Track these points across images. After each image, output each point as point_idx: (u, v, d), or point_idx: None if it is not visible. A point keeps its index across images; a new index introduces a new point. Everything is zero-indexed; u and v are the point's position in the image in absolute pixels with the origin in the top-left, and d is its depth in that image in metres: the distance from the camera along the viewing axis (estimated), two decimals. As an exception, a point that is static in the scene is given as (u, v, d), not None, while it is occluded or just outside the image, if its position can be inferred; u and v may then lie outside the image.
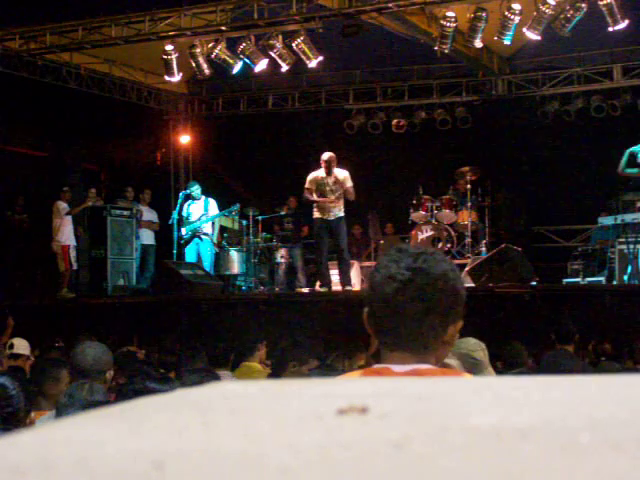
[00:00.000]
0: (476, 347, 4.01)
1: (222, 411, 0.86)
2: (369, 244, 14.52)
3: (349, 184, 11.15)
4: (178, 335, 9.05)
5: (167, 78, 13.48)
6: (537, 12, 11.37)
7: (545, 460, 0.67)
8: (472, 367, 3.77)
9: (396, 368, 1.95)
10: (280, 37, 12.43)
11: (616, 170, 11.29)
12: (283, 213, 14.13)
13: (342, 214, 11.23)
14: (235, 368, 6.81)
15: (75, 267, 13.68)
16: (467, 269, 11.43)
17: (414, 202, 13.63)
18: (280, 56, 12.57)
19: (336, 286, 11.74)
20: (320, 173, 11.19)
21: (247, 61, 12.79)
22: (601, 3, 11.03)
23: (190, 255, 12.97)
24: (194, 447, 0.72)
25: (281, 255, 13.69)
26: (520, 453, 0.69)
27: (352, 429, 0.76)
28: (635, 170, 11.24)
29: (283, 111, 16.53)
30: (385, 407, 0.83)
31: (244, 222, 13.62)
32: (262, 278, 13.77)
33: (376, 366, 2.08)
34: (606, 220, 11.42)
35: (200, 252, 12.98)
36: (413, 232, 13.59)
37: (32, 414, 3.65)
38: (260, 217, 13.69)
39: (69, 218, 13.55)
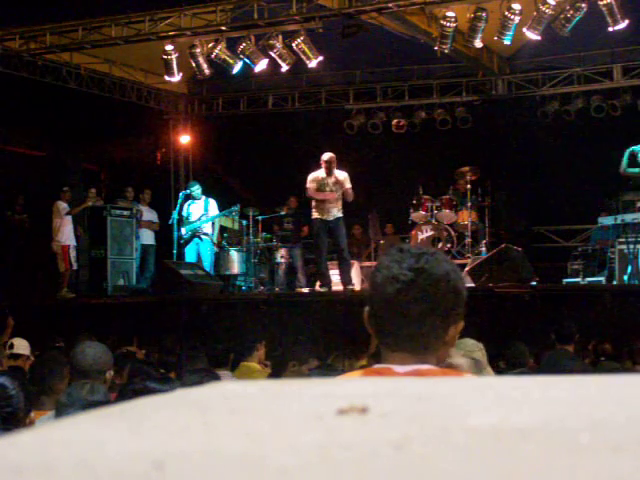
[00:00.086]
0: (474, 348, 4.02)
1: (222, 411, 0.86)
2: (369, 244, 14.52)
3: (348, 185, 11.16)
4: (178, 335, 9.04)
5: (167, 78, 13.48)
6: (537, 12, 11.37)
7: (545, 460, 0.67)
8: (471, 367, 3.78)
9: (397, 368, 1.94)
10: (280, 37, 12.43)
11: (618, 170, 11.29)
12: (283, 213, 14.12)
13: (341, 214, 11.24)
14: (235, 368, 6.81)
15: (75, 267, 13.68)
16: (467, 269, 11.43)
17: (414, 202, 13.63)
18: (280, 56, 12.57)
19: (336, 286, 11.74)
20: (320, 173, 11.19)
21: (247, 61, 12.78)
22: (601, 3, 11.02)
23: (190, 255, 12.97)
24: (194, 447, 0.72)
25: (281, 255, 13.69)
26: (520, 453, 0.69)
27: (352, 429, 0.76)
28: (636, 170, 11.24)
29: (283, 111, 16.53)
30: (385, 407, 0.83)
31: (244, 222, 13.62)
32: (262, 278, 13.77)
33: (377, 366, 2.08)
34: (606, 220, 11.42)
35: (200, 252, 12.98)
36: (413, 232, 13.59)
37: (32, 414, 3.65)
38: (260, 217, 13.69)
39: (69, 218, 13.55)
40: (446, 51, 12.31)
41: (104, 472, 0.67)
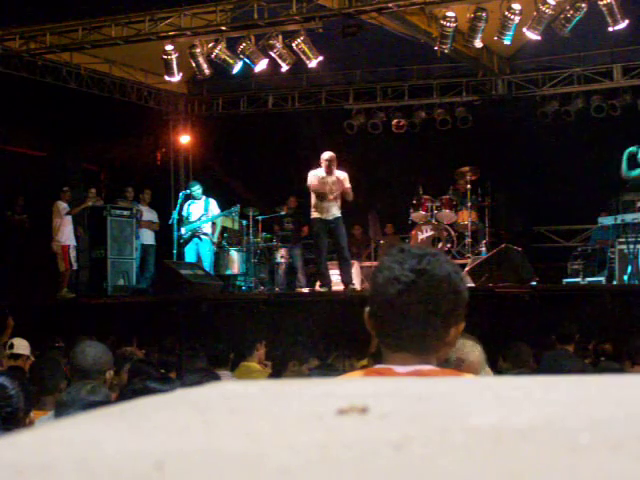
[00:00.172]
0: (472, 348, 4.02)
1: (222, 411, 0.86)
2: (369, 244, 14.52)
3: (348, 185, 11.14)
4: (178, 335, 9.05)
5: (167, 78, 13.48)
6: (537, 12, 11.36)
7: (545, 460, 0.67)
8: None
9: (398, 369, 1.94)
10: (280, 37, 12.43)
11: (619, 174, 11.29)
12: (283, 213, 14.13)
13: (340, 214, 11.20)
14: (235, 368, 6.81)
15: (75, 267, 13.68)
16: (467, 269, 11.43)
17: (414, 202, 13.63)
18: (280, 56, 12.57)
19: (337, 286, 11.73)
20: (320, 172, 11.15)
21: (247, 61, 12.78)
22: (601, 3, 11.02)
23: (190, 255, 12.97)
24: (194, 447, 0.72)
25: (281, 255, 13.69)
26: (520, 453, 0.69)
27: (352, 429, 0.76)
28: (637, 172, 11.23)
29: (283, 111, 16.53)
30: (385, 407, 0.83)
31: (244, 222, 13.62)
32: (262, 278, 13.77)
33: (378, 366, 2.08)
34: (606, 220, 11.42)
35: (200, 252, 12.98)
36: (413, 232, 13.59)
37: (31, 414, 3.65)
38: (260, 217, 13.69)
39: (69, 218, 13.55)
40: (446, 51, 12.31)
41: (104, 472, 0.67)
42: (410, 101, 15.87)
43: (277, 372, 6.50)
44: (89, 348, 4.54)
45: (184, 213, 13.10)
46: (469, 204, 13.47)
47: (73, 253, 13.56)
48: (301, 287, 13.31)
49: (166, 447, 0.72)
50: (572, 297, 10.42)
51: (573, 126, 14.72)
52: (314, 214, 11.21)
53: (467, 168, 13.68)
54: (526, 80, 15.28)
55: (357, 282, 12.36)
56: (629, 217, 10.82)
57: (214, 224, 13.20)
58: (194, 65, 13.00)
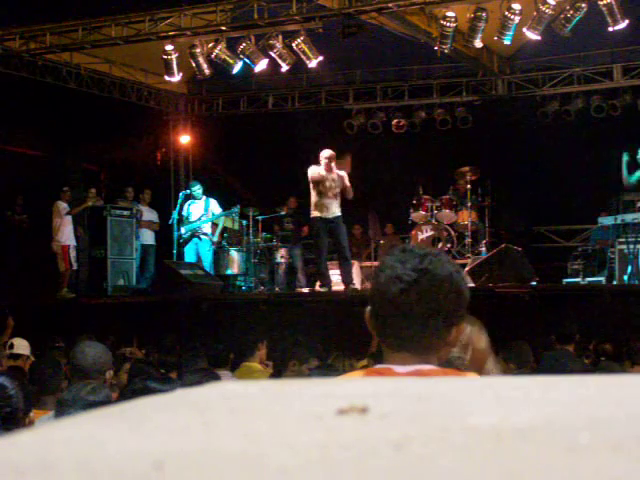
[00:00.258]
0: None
1: (222, 411, 0.86)
2: (369, 244, 14.51)
3: (348, 182, 11.10)
4: (178, 335, 9.05)
5: (167, 78, 13.48)
6: (537, 12, 11.36)
7: (545, 460, 0.67)
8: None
9: (398, 369, 1.94)
10: (280, 37, 12.43)
11: (621, 180, 11.28)
12: (283, 213, 14.13)
13: (340, 213, 11.17)
14: (235, 368, 6.81)
15: (75, 267, 13.68)
16: (467, 269, 11.43)
17: (414, 202, 13.63)
18: (280, 56, 12.57)
19: (337, 286, 11.72)
20: (320, 170, 11.08)
21: (247, 61, 12.78)
22: (601, 3, 11.02)
23: (189, 255, 12.97)
24: (194, 447, 0.72)
25: (281, 255, 13.69)
26: (520, 453, 0.69)
27: (352, 429, 0.76)
28: (638, 175, 11.22)
29: (283, 111, 16.53)
30: (385, 407, 0.83)
31: (244, 222, 13.62)
32: (262, 278, 13.77)
33: (378, 366, 2.08)
34: (606, 220, 11.42)
35: (199, 252, 12.98)
36: (413, 232, 13.59)
37: (31, 414, 3.65)
38: (260, 217, 13.69)
39: (69, 218, 13.55)
40: (446, 51, 12.31)
41: (104, 472, 0.67)
42: (410, 101, 15.87)
43: (277, 372, 6.50)
44: (89, 348, 4.54)
45: (184, 213, 13.10)
46: (469, 204, 13.47)
47: (73, 253, 13.56)
48: (301, 287, 13.31)
49: (166, 447, 0.72)
50: (572, 297, 10.42)
51: (573, 126, 14.72)
52: (314, 213, 11.14)
53: (467, 168, 13.68)
54: (526, 80, 15.28)
55: (357, 282, 12.36)
56: (629, 217, 10.82)
57: (215, 224, 13.20)
58: (194, 65, 13.00)
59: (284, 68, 12.84)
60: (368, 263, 13.47)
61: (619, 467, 0.66)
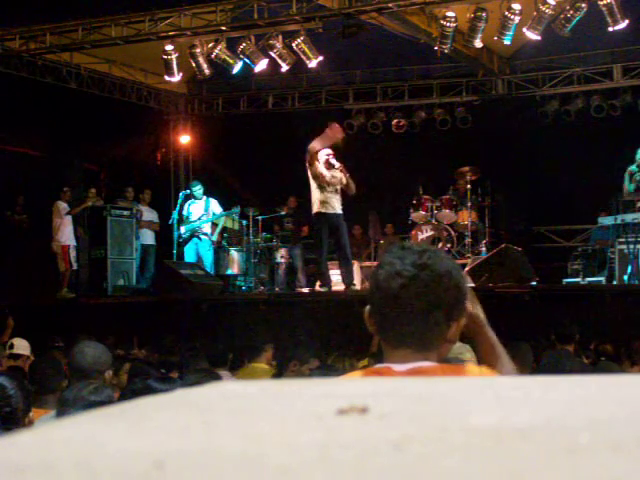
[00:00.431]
0: (462, 349, 4.04)
1: (222, 411, 0.86)
2: (369, 244, 14.51)
3: (345, 180, 11.02)
4: (178, 335, 9.05)
5: (167, 78, 13.48)
6: (537, 12, 11.36)
7: (545, 460, 0.67)
8: None
9: (397, 367, 1.95)
10: (280, 37, 12.43)
11: (622, 194, 11.28)
12: (283, 213, 14.13)
13: (341, 211, 11.13)
14: (234, 368, 6.81)
15: (75, 267, 13.67)
16: (467, 269, 11.42)
17: (414, 202, 13.63)
18: (280, 56, 12.57)
19: (337, 286, 11.71)
20: (322, 169, 11.02)
21: (247, 61, 12.78)
22: (601, 3, 11.02)
23: (189, 255, 12.97)
24: (194, 447, 0.72)
25: (281, 255, 13.69)
26: (520, 453, 0.69)
27: (352, 429, 0.76)
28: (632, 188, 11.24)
29: (283, 111, 16.52)
30: (385, 407, 0.83)
31: (244, 222, 13.62)
32: (262, 278, 13.76)
33: (377, 366, 2.09)
34: (606, 220, 11.42)
35: (199, 252, 12.98)
36: (413, 232, 13.58)
37: (31, 414, 3.65)
38: (260, 217, 13.69)
39: (69, 218, 13.55)
40: (446, 51, 12.30)
41: (104, 471, 0.67)
42: (410, 101, 15.87)
43: (278, 372, 6.50)
44: (88, 348, 4.53)
45: (184, 213, 13.10)
46: (469, 204, 13.46)
47: (73, 253, 13.56)
48: (301, 287, 13.30)
49: (166, 447, 0.72)
50: (572, 297, 10.42)
51: (573, 126, 14.71)
52: (316, 208, 11.02)
53: (467, 168, 13.68)
54: (526, 80, 15.27)
55: (357, 282, 12.35)
56: (629, 217, 10.81)
57: (214, 224, 13.20)
58: (194, 65, 13.00)
59: (284, 68, 12.84)
60: (368, 263, 13.46)
61: (619, 467, 0.66)
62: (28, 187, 14.99)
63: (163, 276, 12.34)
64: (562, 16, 11.30)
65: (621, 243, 10.75)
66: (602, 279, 11.25)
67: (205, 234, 13.01)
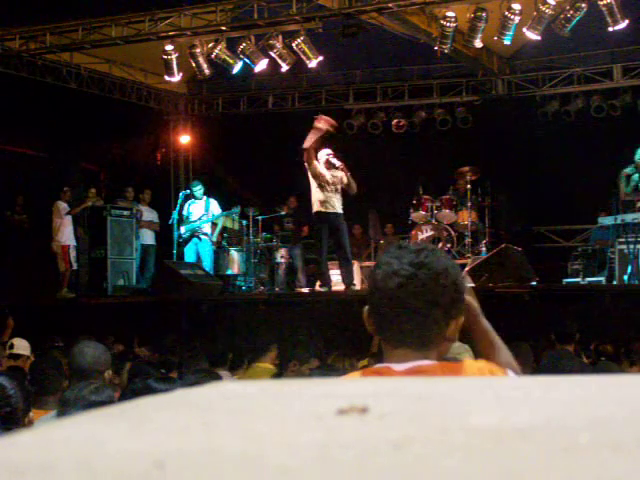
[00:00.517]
0: (461, 349, 4.04)
1: (222, 411, 0.86)
2: (369, 244, 14.51)
3: (346, 179, 11.00)
4: (178, 335, 9.05)
5: (167, 78, 13.47)
6: (537, 12, 11.36)
7: (545, 460, 0.68)
8: None
9: (397, 367, 1.95)
10: (280, 37, 12.42)
11: (619, 196, 11.28)
12: (283, 213, 14.13)
13: (341, 211, 11.11)
14: (233, 368, 6.81)
15: (75, 267, 13.68)
16: (467, 269, 11.42)
17: (414, 202, 13.63)
18: (280, 56, 12.56)
19: (337, 286, 11.71)
20: (322, 169, 11.01)
21: (247, 61, 12.78)
22: (601, 3, 11.02)
23: (189, 255, 12.97)
24: (194, 447, 0.72)
25: (281, 255, 13.69)
26: (520, 453, 0.69)
27: (352, 429, 0.76)
28: (628, 189, 11.24)
29: (283, 111, 16.52)
30: (385, 407, 0.83)
31: (244, 222, 13.62)
32: (262, 278, 13.76)
33: (377, 366, 2.09)
34: (606, 220, 11.41)
35: (199, 252, 12.98)
36: (413, 232, 13.58)
37: (31, 414, 3.65)
38: (260, 217, 13.69)
39: (69, 218, 13.55)
40: (446, 51, 12.30)
41: (104, 472, 0.67)
42: (410, 101, 15.87)
43: (278, 372, 6.50)
44: (87, 348, 4.53)
45: (184, 213, 13.10)
46: (469, 204, 13.46)
47: (73, 253, 13.56)
48: (301, 287, 13.29)
49: (166, 447, 0.72)
50: (572, 297, 10.42)
51: (573, 126, 14.71)
52: (315, 208, 11.01)
53: (467, 168, 13.67)
54: (526, 80, 15.27)
55: (357, 282, 12.35)
56: (629, 217, 10.81)
57: (214, 224, 13.20)
58: (194, 65, 13.00)
59: (284, 68, 12.84)
60: (368, 263, 13.45)
61: (619, 467, 0.66)
62: (28, 187, 14.99)
63: (163, 276, 12.34)
64: (562, 16, 11.30)
65: (621, 243, 10.75)
66: (602, 279, 11.25)
67: (205, 234, 13.01)
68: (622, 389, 0.96)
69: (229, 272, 13.39)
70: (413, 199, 13.67)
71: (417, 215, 13.60)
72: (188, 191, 13.34)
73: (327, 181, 10.91)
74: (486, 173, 13.87)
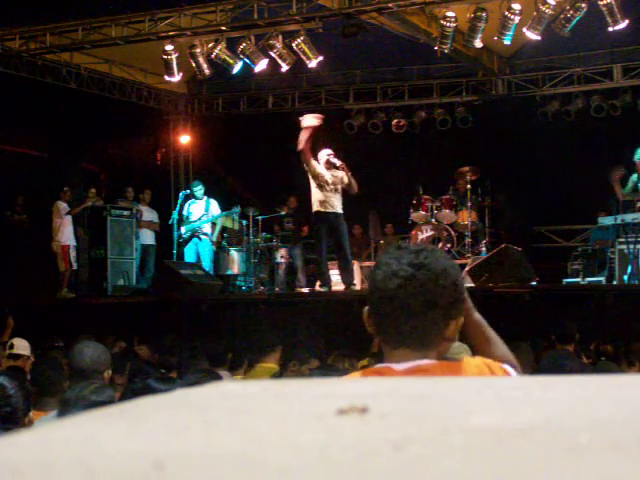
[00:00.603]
0: (460, 349, 4.04)
1: (222, 411, 0.86)
2: (369, 244, 14.51)
3: (347, 179, 10.99)
4: (178, 335, 9.04)
5: (167, 78, 13.47)
6: (537, 12, 11.36)
7: (545, 460, 0.67)
8: None
9: (397, 366, 1.95)
10: (280, 37, 12.42)
11: (617, 197, 11.28)
12: (283, 213, 14.12)
13: (341, 211, 11.10)
14: (233, 368, 6.80)
15: (75, 267, 13.68)
16: (467, 269, 11.41)
17: (414, 202, 13.62)
18: (280, 56, 12.56)
19: (337, 286, 11.70)
20: (321, 169, 11.00)
21: (247, 61, 12.78)
22: (601, 3, 11.02)
23: (189, 255, 12.97)
24: (194, 447, 0.72)
25: (281, 255, 13.69)
26: (520, 453, 0.69)
27: (352, 429, 0.76)
28: (629, 186, 11.24)
29: (283, 111, 16.52)
30: (385, 407, 0.83)
31: (244, 222, 13.62)
32: (262, 278, 13.77)
33: (377, 366, 2.09)
34: (606, 220, 11.41)
35: (199, 252, 12.98)
36: (413, 232, 13.58)
37: (31, 414, 3.65)
38: (260, 217, 13.69)
39: (69, 218, 13.55)
40: (446, 51, 12.30)
41: (104, 472, 0.67)
42: (410, 101, 15.87)
43: (278, 372, 6.50)
44: (87, 348, 4.53)
45: (184, 213, 13.10)
46: (469, 204, 13.46)
47: (73, 253, 13.56)
48: (301, 287, 13.29)
49: (166, 447, 0.72)
50: (572, 297, 10.42)
51: (573, 126, 14.72)
52: (315, 208, 11.00)
53: (467, 168, 13.67)
54: (526, 80, 15.27)
55: (357, 282, 12.34)
56: (629, 217, 10.81)
57: (214, 224, 13.20)
58: (194, 65, 13.00)
59: (284, 68, 12.84)
60: (368, 263, 13.45)
61: (619, 467, 0.66)
62: (28, 187, 14.99)
63: (163, 276, 12.34)
64: (562, 16, 11.30)
65: (621, 243, 10.75)
66: (602, 279, 11.25)
67: (205, 234, 13.01)
68: (622, 389, 0.96)
69: (229, 272, 13.39)
70: (413, 199, 13.67)
71: (417, 215, 13.60)
72: (188, 191, 13.34)
73: (326, 181, 10.90)
74: (486, 173, 13.87)
